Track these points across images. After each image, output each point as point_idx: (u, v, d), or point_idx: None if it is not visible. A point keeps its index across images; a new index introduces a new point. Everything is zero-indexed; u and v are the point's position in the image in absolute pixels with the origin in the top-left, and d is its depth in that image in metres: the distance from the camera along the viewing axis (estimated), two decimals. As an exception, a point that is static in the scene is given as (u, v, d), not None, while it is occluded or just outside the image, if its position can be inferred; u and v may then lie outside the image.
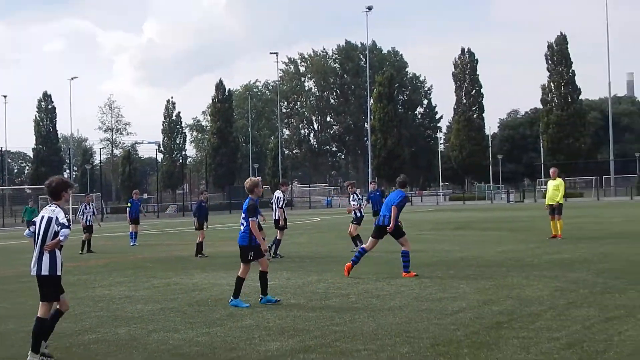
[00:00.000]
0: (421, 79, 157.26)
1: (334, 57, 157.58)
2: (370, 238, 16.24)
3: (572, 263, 17.07)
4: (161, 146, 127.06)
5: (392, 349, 8.75)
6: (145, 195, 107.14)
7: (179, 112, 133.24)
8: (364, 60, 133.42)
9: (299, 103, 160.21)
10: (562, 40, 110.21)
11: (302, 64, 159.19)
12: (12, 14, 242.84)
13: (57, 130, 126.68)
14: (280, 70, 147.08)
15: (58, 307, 9.04)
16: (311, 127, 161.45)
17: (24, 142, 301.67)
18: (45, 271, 8.73)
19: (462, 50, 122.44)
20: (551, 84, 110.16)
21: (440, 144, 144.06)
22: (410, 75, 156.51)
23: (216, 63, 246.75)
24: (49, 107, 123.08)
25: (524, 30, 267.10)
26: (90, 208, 27.83)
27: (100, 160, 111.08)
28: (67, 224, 8.78)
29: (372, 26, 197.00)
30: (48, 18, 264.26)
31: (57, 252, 8.81)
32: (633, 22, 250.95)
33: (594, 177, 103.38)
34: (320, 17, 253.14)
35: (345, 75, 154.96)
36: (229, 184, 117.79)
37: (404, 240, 15.82)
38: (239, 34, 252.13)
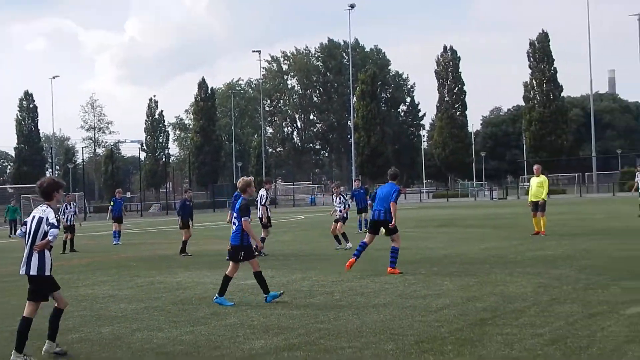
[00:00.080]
0: (404, 76, 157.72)
1: (316, 55, 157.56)
2: (367, 234, 16.35)
3: (555, 259, 17.13)
4: (144, 145, 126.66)
5: (377, 346, 8.76)
6: (128, 194, 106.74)
7: (162, 111, 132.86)
8: (347, 58, 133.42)
9: (282, 101, 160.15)
10: (543, 37, 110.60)
11: (285, 62, 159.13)
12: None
13: (39, 130, 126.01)
14: (263, 68, 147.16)
15: (56, 305, 9.04)
16: (294, 125, 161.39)
17: (5, 141, 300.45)
18: (33, 271, 8.73)
19: (445, 48, 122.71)
20: (533, 81, 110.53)
21: (424, 141, 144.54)
22: (393, 73, 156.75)
23: (199, 61, 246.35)
24: (31, 106, 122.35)
25: (506, 27, 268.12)
26: (71, 208, 27.68)
27: (83, 159, 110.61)
28: (56, 224, 8.79)
29: (355, 24, 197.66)
30: (29, 17, 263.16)
31: (47, 252, 8.80)
32: (614, 19, 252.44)
33: (576, 174, 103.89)
34: (303, 15, 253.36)
35: (328, 73, 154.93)
36: (212, 183, 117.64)
37: (396, 237, 15.86)
38: (222, 32, 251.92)
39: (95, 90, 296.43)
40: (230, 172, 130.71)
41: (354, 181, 34.13)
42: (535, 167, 26.04)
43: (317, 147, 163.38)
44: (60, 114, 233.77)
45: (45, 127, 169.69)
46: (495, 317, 10.24)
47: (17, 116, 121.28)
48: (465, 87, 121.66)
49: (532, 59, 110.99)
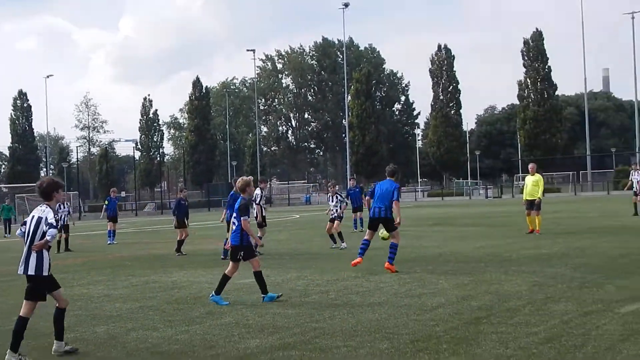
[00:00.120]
0: (398, 75, 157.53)
1: (311, 54, 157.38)
2: (368, 230, 16.37)
3: (550, 258, 17.16)
4: (138, 144, 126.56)
5: (372, 345, 8.76)
6: (123, 194, 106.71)
7: (156, 110, 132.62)
8: (341, 57, 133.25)
9: (276, 100, 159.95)
10: (537, 36, 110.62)
11: (280, 61, 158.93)
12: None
13: (33, 129, 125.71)
14: (258, 67, 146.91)
15: (57, 305, 9.05)
16: (289, 124, 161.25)
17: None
18: (31, 271, 8.74)
19: (439, 46, 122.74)
20: (527, 79, 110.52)
21: (418, 140, 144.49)
22: (388, 71, 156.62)
23: (193, 60, 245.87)
24: (25, 105, 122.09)
25: (500, 26, 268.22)
26: (64, 207, 27.63)
27: (77, 158, 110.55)
28: (55, 224, 8.79)
29: (349, 23, 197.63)
30: (21, 15, 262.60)
31: (45, 252, 8.81)
32: (608, 18, 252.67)
33: (571, 173, 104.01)
34: (297, 14, 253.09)
35: (323, 72, 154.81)
36: (207, 182, 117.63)
37: (396, 233, 15.92)
38: (216, 31, 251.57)
39: (90, 89, 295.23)
40: (225, 171, 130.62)
41: (349, 180, 34.11)
42: (530, 165, 26.06)
43: (312, 146, 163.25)
44: (55, 113, 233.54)
45: (39, 126, 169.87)
46: (490, 315, 10.25)
47: (11, 115, 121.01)
48: (459, 86, 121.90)
49: (526, 58, 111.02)
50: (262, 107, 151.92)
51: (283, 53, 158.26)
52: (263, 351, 8.70)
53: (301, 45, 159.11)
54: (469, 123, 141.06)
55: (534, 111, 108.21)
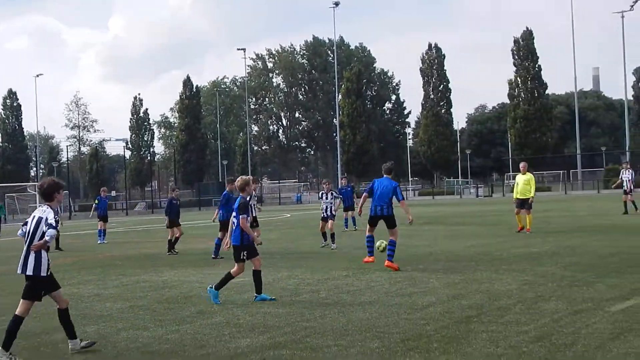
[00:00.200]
0: (389, 74, 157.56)
1: (301, 53, 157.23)
2: (369, 226, 16.51)
3: (540, 257, 17.20)
4: (129, 143, 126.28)
5: (362, 344, 8.77)
6: (113, 193, 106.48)
7: (147, 109, 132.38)
8: (332, 56, 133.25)
9: (267, 99, 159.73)
10: (528, 35, 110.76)
11: (270, 60, 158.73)
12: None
13: (23, 128, 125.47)
14: (248, 66, 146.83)
15: (58, 307, 9.10)
16: (280, 123, 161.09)
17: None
18: (29, 271, 8.77)
19: (430, 45, 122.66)
20: (518, 78, 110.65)
21: (409, 139, 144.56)
22: (378, 70, 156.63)
23: (183, 59, 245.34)
24: (14, 104, 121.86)
25: (490, 25, 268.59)
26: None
27: (68, 157, 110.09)
28: (55, 224, 8.81)
29: (340, 22, 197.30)
30: (10, 15, 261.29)
31: (44, 253, 8.84)
32: (598, 17, 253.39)
33: (561, 171, 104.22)
34: (288, 13, 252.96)
35: (314, 71, 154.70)
36: (198, 181, 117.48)
37: (395, 231, 16.03)
38: (206, 30, 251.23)
39: (80, 88, 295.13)
40: (215, 171, 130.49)
41: (341, 179, 34.10)
42: (521, 164, 26.08)
43: (303, 145, 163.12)
44: (45, 112, 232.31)
45: (29, 125, 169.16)
46: (481, 314, 10.27)
47: (0, 115, 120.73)
48: (450, 85, 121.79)
49: (516, 57, 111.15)
50: (252, 106, 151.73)
51: (274, 52, 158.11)
52: (254, 350, 8.70)
53: (292, 44, 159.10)
54: (459, 122, 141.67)
55: (524, 110, 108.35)
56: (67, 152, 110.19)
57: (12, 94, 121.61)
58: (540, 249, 19.09)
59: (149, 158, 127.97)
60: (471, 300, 11.50)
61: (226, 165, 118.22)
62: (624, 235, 22.43)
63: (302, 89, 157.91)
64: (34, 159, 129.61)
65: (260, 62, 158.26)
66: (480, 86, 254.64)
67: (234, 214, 12.65)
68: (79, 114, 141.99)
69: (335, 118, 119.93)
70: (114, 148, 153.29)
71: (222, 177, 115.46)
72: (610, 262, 15.57)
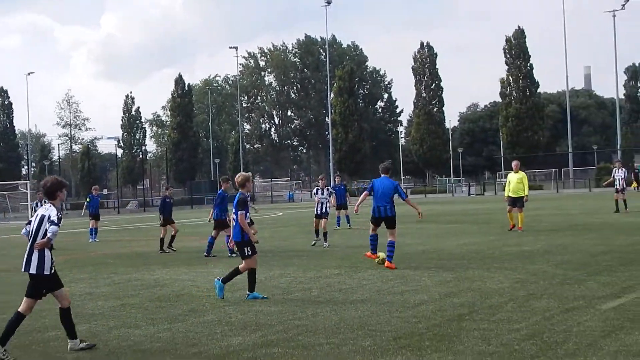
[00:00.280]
0: (381, 73, 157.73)
1: (294, 52, 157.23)
2: (372, 226, 16.48)
3: (532, 255, 17.23)
4: (121, 142, 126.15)
5: (354, 342, 8.77)
6: (105, 191, 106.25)
7: (139, 107, 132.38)
8: (324, 54, 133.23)
9: (259, 97, 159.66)
10: (519, 34, 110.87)
11: (262, 58, 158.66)
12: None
13: (14, 126, 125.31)
14: (240, 64, 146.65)
15: (60, 306, 9.12)
16: (272, 121, 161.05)
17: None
18: (33, 270, 8.82)
19: (422, 44, 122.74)
20: (510, 77, 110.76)
21: (401, 137, 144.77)
22: (370, 69, 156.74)
23: (175, 58, 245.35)
24: (6, 102, 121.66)
25: (482, 24, 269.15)
26: (41, 205, 27.45)
27: (59, 156, 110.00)
28: (56, 221, 8.83)
29: (332, 20, 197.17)
30: (2, 12, 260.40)
31: (47, 251, 8.88)
32: (590, 16, 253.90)
33: (553, 170, 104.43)
34: (280, 12, 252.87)
35: (306, 70, 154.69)
36: (190, 179, 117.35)
37: (395, 232, 16.03)
38: (198, 28, 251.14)
39: (71, 86, 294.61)
40: (207, 169, 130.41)
41: (335, 177, 34.10)
42: (514, 163, 26.09)
43: (295, 143, 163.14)
44: (36, 110, 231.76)
45: (20, 123, 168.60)
46: (473, 312, 10.29)
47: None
48: (442, 84, 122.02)
49: (508, 56, 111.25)
50: (244, 105, 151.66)
51: (266, 50, 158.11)
52: (245, 348, 8.69)
53: (284, 43, 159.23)
54: (451, 120, 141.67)
55: (516, 109, 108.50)
56: (59, 150, 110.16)
57: (3, 92, 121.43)
58: (532, 247, 19.12)
59: (140, 156, 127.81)
60: (463, 298, 11.51)
61: (218, 163, 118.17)
62: (615, 233, 22.48)
63: (294, 88, 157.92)
64: (25, 157, 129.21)
65: (252, 61, 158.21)
66: (472, 85, 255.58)
67: (233, 210, 12.62)
68: (70, 112, 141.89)
69: (328, 116, 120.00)
70: (106, 146, 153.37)
71: (214, 175, 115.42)
72: (601, 260, 15.61)
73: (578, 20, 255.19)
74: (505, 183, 27.07)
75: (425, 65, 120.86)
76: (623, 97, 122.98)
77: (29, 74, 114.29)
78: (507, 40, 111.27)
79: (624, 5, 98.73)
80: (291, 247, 22.72)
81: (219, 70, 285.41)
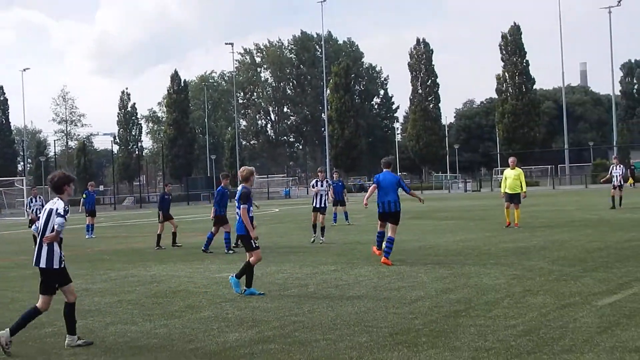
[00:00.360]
0: (377, 69, 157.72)
1: (289, 48, 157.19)
2: (380, 222, 16.48)
3: (528, 251, 17.24)
4: (117, 138, 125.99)
5: (351, 338, 8.77)
6: (101, 187, 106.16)
7: (134, 103, 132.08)
8: (320, 50, 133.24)
9: (255, 94, 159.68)
10: (515, 30, 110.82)
11: (258, 54, 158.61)
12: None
13: (10, 122, 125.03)
14: (236, 60, 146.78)
15: (66, 300, 9.17)
16: (268, 117, 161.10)
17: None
18: (43, 264, 8.94)
19: (418, 40, 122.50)
20: (506, 74, 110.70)
21: (397, 134, 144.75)
22: (367, 65, 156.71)
23: (171, 54, 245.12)
24: (1, 98, 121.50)
25: (478, 20, 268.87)
26: (37, 201, 27.44)
27: (55, 152, 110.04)
28: (63, 213, 8.91)
29: (328, 16, 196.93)
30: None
31: (56, 245, 8.97)
32: (585, 12, 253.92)
33: (549, 166, 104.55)
34: (276, 8, 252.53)
35: (302, 66, 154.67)
36: (186, 175, 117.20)
37: (396, 228, 16.06)
38: (194, 24, 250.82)
39: (67, 82, 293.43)
40: (204, 165, 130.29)
41: (333, 173, 34.06)
42: (510, 159, 26.02)
43: (291, 139, 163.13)
44: (32, 106, 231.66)
45: (16, 120, 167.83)
46: (469, 308, 10.29)
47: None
48: (438, 80, 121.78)
49: (504, 52, 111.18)
50: (241, 101, 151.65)
51: (262, 47, 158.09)
52: (242, 345, 8.70)
53: (280, 39, 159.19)
54: (447, 117, 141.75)
55: (512, 105, 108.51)
56: (55, 146, 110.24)
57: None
58: (529, 243, 19.13)
59: (136, 153, 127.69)
60: (459, 294, 11.52)
61: (214, 159, 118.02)
62: (611, 229, 22.49)
63: (291, 84, 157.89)
64: (21, 153, 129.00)
65: (248, 57, 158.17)
66: (468, 81, 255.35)
67: (236, 204, 12.63)
68: (66, 109, 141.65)
69: (324, 113, 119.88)
70: (102, 142, 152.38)
71: (210, 171, 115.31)
72: (597, 257, 15.62)
73: (574, 17, 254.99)
74: (501, 179, 27.00)
75: (422, 61, 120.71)
76: (619, 93, 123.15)
77: (24, 70, 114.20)
78: (503, 36, 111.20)
79: (619, 1, 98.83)
80: (288, 244, 22.71)
81: (215, 66, 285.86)
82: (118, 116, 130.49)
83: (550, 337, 8.42)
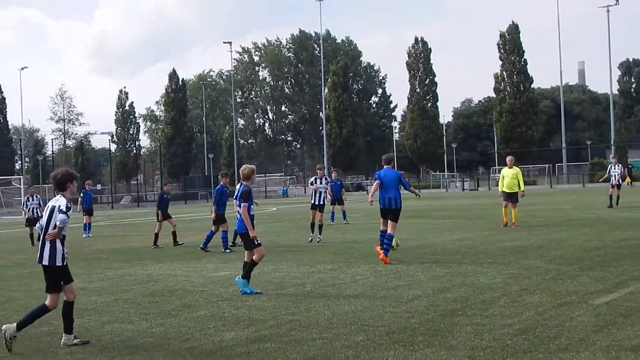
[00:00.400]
0: (375, 68, 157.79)
1: (288, 47, 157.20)
2: (382, 220, 16.42)
3: (525, 250, 17.24)
4: (114, 137, 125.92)
5: (347, 337, 8.77)
6: (98, 186, 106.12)
7: (132, 102, 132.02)
8: (318, 49, 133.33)
9: (253, 92, 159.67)
10: (513, 29, 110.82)
11: (256, 53, 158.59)
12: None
13: (7, 121, 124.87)
14: (234, 59, 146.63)
15: (65, 298, 9.14)
16: (266, 116, 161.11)
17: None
18: (45, 261, 8.94)
19: (416, 39, 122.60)
20: (504, 72, 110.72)
21: (395, 133, 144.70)
22: (365, 64, 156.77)
23: (169, 52, 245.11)
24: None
25: (476, 19, 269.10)
26: (34, 200, 27.42)
27: (53, 151, 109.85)
28: (64, 210, 8.93)
29: (326, 15, 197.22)
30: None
31: (58, 243, 8.96)
32: (583, 11, 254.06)
33: (546, 165, 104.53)
34: (274, 7, 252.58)
35: (300, 65, 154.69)
36: (184, 174, 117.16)
37: (396, 225, 16.09)
38: (192, 23, 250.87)
39: (65, 81, 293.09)
40: (201, 164, 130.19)
41: (332, 172, 34.07)
42: (508, 158, 25.99)
43: (289, 138, 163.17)
44: (30, 105, 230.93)
45: (14, 119, 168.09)
46: (466, 307, 10.29)
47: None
48: (436, 79, 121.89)
49: (502, 51, 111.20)
50: (238, 100, 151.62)
51: (260, 45, 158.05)
52: (238, 344, 8.69)
53: (278, 38, 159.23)
54: (445, 116, 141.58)
55: (510, 104, 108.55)
56: (52, 145, 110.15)
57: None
58: (526, 242, 19.13)
59: (134, 151, 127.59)
60: (456, 293, 11.52)
61: (212, 158, 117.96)
62: (608, 228, 22.51)
63: (289, 83, 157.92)
64: (18, 152, 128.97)
65: (246, 56, 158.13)
66: (466, 80, 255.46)
67: (236, 202, 12.62)
68: (64, 107, 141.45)
69: (322, 112, 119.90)
70: (100, 141, 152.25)
71: (208, 170, 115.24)
72: (595, 256, 15.63)
73: (572, 16, 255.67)
74: (499, 178, 27.00)
75: (420, 60, 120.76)
76: (617, 92, 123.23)
77: (22, 68, 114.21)
78: (501, 35, 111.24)
79: (617, 0, 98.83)
80: (285, 242, 22.70)
81: (213, 65, 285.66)
82: (116, 115, 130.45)
83: (547, 336, 8.42)
